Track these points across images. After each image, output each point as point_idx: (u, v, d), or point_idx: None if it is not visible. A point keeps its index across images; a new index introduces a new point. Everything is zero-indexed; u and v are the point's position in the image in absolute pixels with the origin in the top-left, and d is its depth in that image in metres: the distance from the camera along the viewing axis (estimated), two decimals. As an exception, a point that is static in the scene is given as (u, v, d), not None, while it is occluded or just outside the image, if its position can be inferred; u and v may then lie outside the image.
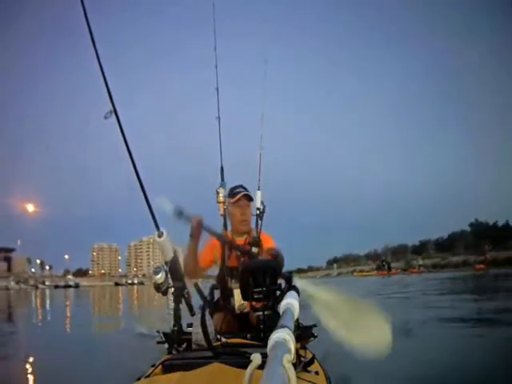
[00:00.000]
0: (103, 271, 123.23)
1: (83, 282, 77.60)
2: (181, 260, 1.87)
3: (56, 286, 60.42)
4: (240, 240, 2.34)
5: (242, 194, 2.31)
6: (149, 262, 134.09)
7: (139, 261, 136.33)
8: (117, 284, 72.92)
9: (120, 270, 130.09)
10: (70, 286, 61.79)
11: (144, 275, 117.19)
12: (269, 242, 2.35)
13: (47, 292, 37.64)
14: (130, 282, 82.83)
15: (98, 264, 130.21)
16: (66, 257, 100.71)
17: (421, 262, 51.61)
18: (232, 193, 2.39)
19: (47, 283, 66.57)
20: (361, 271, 60.13)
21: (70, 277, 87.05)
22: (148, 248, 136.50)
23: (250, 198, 2.35)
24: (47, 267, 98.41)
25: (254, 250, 2.28)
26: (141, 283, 79.59)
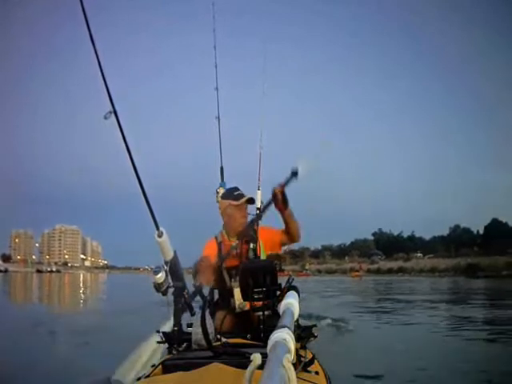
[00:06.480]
0: (19, 257, 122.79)
1: (10, 267, 78.77)
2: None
3: (-13, 271, 62.09)
4: (234, 240, 2.36)
5: (248, 197, 2.36)
6: (60, 251, 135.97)
7: (52, 249, 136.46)
8: (38, 271, 74.30)
9: (34, 256, 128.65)
10: (0, 271, 63.33)
11: (56, 263, 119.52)
12: (266, 232, 2.42)
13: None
14: (49, 269, 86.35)
15: (14, 250, 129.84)
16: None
17: (307, 267, 56.89)
18: (232, 195, 2.40)
19: (-22, 268, 68.07)
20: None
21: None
22: (60, 237, 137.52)
23: (253, 202, 2.41)
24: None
25: (252, 246, 2.33)
26: (58, 271, 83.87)
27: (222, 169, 3.06)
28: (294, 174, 2.17)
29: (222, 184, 2.92)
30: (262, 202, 2.72)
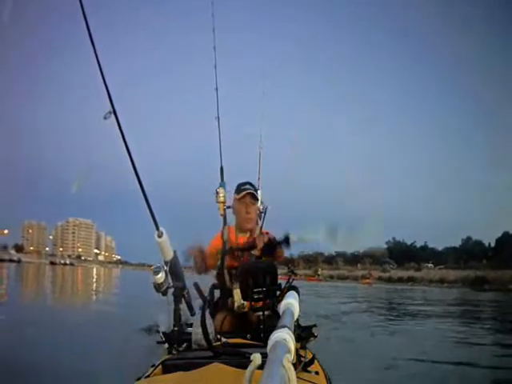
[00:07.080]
0: (32, 248, 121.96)
1: (23, 258, 78.41)
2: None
3: (1, 260, 60.16)
4: (243, 237, 2.36)
5: (247, 191, 2.34)
6: (74, 244, 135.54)
7: (65, 241, 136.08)
8: (52, 263, 73.85)
9: (47, 248, 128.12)
10: (13, 261, 63.31)
11: (69, 256, 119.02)
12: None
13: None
14: (62, 262, 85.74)
15: (27, 240, 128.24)
16: (6, 231, 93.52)
17: (319, 272, 59.34)
18: (238, 189, 2.41)
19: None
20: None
21: (12, 252, 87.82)
22: (74, 230, 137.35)
23: (254, 197, 2.36)
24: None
25: (253, 251, 2.30)
26: (71, 264, 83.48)
27: (221, 169, 3.05)
28: (286, 240, 2.08)
29: (222, 184, 2.92)
30: (262, 203, 2.72)
